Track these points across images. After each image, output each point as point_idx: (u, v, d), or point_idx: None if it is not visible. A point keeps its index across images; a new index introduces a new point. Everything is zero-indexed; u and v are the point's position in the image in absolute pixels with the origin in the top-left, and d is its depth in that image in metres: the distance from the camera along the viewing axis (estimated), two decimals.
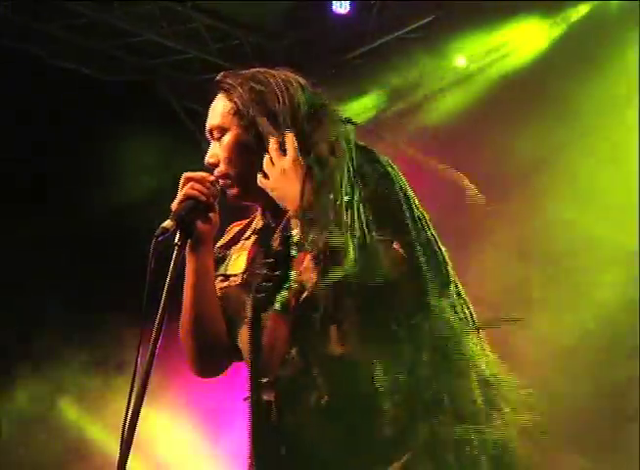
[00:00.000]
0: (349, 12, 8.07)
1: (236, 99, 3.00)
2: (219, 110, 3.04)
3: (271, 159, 2.89)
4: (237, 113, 2.99)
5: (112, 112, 8.05)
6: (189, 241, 2.94)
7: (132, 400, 2.64)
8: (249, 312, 2.68)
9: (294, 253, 2.85)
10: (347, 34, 8.32)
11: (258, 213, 3.11)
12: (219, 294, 3.06)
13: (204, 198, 2.93)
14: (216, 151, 3.02)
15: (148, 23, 8.18)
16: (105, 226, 7.86)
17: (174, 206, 2.91)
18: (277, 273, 2.66)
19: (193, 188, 2.92)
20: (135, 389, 2.65)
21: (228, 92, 3.04)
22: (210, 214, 2.98)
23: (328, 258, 2.67)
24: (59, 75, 7.98)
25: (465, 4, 7.60)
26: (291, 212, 2.85)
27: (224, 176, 2.99)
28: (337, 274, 2.66)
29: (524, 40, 7.85)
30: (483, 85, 8.06)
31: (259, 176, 2.91)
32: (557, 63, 7.51)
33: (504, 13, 7.70)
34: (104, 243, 7.86)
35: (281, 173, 2.84)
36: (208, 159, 3.02)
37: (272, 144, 2.90)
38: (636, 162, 6.71)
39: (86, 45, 8.18)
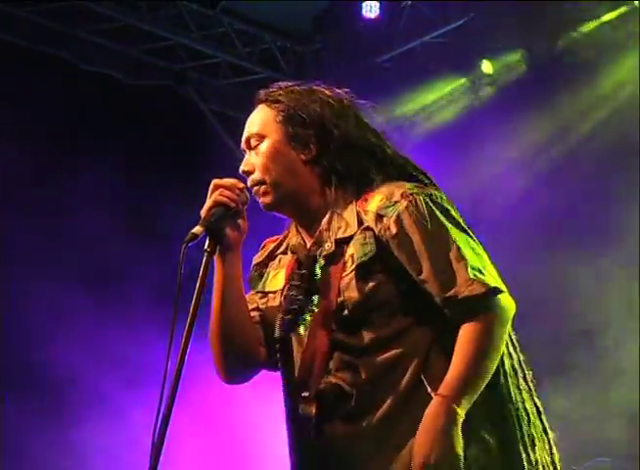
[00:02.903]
0: (379, 16, 8.09)
1: (282, 106, 3.02)
2: (259, 118, 3.05)
3: None
4: (281, 120, 3.01)
5: (141, 116, 8.09)
6: (219, 248, 2.96)
7: (162, 406, 2.66)
8: (277, 332, 2.73)
9: (317, 272, 2.90)
10: (376, 38, 8.33)
11: (293, 228, 3.12)
12: (259, 310, 3.08)
13: (233, 204, 2.93)
14: (252, 160, 3.02)
15: (177, 28, 8.23)
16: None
17: (203, 212, 2.91)
18: (299, 297, 2.71)
19: (222, 194, 2.92)
20: (165, 394, 2.67)
21: (271, 102, 3.05)
22: (239, 221, 2.98)
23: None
24: (89, 80, 8.03)
25: (493, 9, 7.61)
26: (324, 223, 2.94)
27: (259, 183, 2.99)
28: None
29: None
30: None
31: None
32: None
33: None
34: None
35: None
36: (243, 167, 3.02)
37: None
38: None
39: (116, 49, 8.23)
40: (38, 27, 7.78)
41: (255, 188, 3.00)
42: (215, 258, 2.96)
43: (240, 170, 3.03)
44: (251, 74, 8.73)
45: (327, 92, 3.07)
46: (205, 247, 2.90)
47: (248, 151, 3.05)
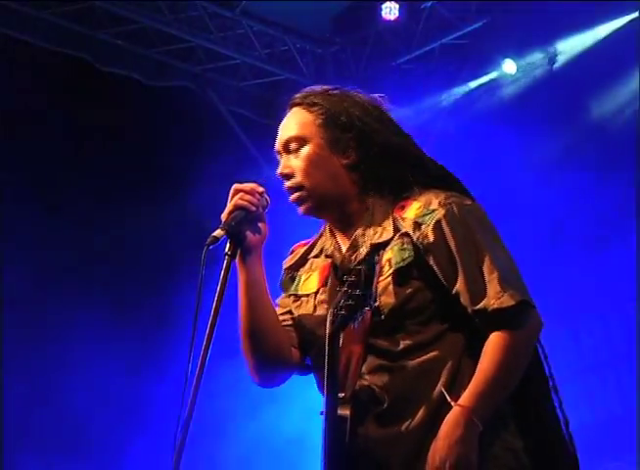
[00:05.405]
0: (398, 17, 8.09)
1: (321, 110, 3.02)
2: (298, 121, 3.04)
3: None
4: (321, 124, 3.01)
5: (160, 117, 8.12)
6: (239, 251, 2.97)
7: (184, 406, 2.68)
8: (328, 328, 2.70)
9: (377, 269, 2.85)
10: (396, 40, 8.34)
11: (326, 232, 3.13)
12: (291, 313, 3.09)
13: (253, 208, 2.94)
14: (292, 163, 3.02)
15: (197, 29, 8.25)
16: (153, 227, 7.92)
17: (224, 216, 2.93)
18: (358, 292, 2.67)
19: (242, 198, 2.93)
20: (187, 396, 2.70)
21: (308, 105, 3.04)
22: (260, 225, 2.99)
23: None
24: (109, 81, 8.06)
25: (513, 10, 7.60)
26: (360, 229, 2.96)
27: (299, 188, 3.00)
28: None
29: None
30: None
31: None
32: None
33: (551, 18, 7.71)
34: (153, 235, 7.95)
35: None
36: (283, 170, 3.02)
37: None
38: None
39: (136, 51, 8.25)
40: (59, 29, 7.81)
41: (296, 193, 3.01)
42: (237, 263, 2.98)
43: (278, 173, 3.03)
44: (270, 76, 8.74)
45: (364, 97, 3.08)
46: (226, 250, 2.91)
47: (285, 154, 3.05)
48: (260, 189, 2.98)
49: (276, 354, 3.04)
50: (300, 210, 3.03)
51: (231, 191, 2.97)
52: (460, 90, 8.44)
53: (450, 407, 2.76)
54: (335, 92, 3.08)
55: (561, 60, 7.91)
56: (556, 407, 2.92)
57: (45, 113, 7.56)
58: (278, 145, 3.07)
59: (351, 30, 8.57)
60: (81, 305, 7.58)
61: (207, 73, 8.67)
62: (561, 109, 7.62)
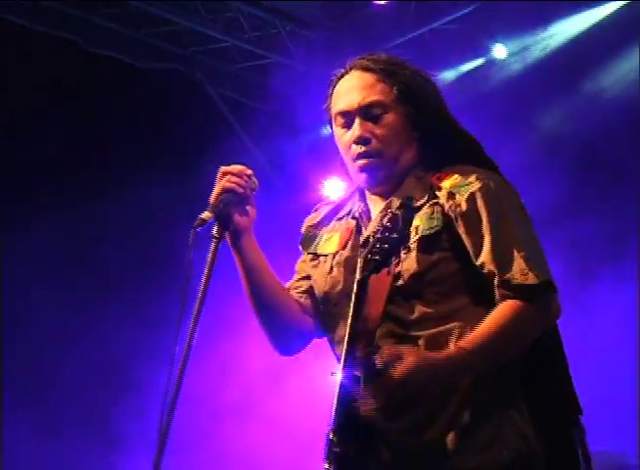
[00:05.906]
0: (388, 2, 8.06)
1: (400, 81, 3.02)
2: (378, 88, 3.02)
3: None
4: (400, 96, 3.01)
5: (149, 99, 8.09)
6: (229, 235, 2.98)
7: (170, 391, 2.69)
8: (358, 274, 2.68)
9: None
10: (386, 24, 8.31)
11: (355, 195, 3.14)
12: (308, 279, 3.14)
13: (241, 190, 2.96)
14: (369, 127, 3.01)
15: (186, 11, 8.20)
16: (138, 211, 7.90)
17: (212, 198, 2.94)
18: (395, 235, 2.65)
19: (230, 181, 2.95)
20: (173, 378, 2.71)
21: (387, 74, 3.03)
22: (248, 207, 3.01)
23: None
24: (97, 63, 8.02)
25: None
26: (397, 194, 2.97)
27: (377, 155, 3.01)
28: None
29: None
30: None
31: None
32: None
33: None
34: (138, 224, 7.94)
35: None
36: (363, 132, 3.01)
37: None
38: None
39: (125, 33, 8.20)
40: (49, 11, 7.76)
41: (368, 157, 3.01)
42: (230, 247, 3.02)
43: (356, 135, 3.01)
44: (259, 59, 8.71)
45: (427, 74, 3.11)
46: (213, 233, 2.92)
47: (360, 117, 3.02)
48: (248, 171, 2.99)
49: (287, 325, 3.10)
50: (367, 177, 3.04)
51: (218, 173, 2.98)
52: (450, 75, 8.41)
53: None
54: (406, 64, 3.08)
55: (554, 43, 7.88)
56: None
57: (40, 97, 7.54)
58: (353, 106, 3.03)
59: (341, 14, 8.54)
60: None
61: (197, 56, 8.63)
62: (556, 93, 7.61)
